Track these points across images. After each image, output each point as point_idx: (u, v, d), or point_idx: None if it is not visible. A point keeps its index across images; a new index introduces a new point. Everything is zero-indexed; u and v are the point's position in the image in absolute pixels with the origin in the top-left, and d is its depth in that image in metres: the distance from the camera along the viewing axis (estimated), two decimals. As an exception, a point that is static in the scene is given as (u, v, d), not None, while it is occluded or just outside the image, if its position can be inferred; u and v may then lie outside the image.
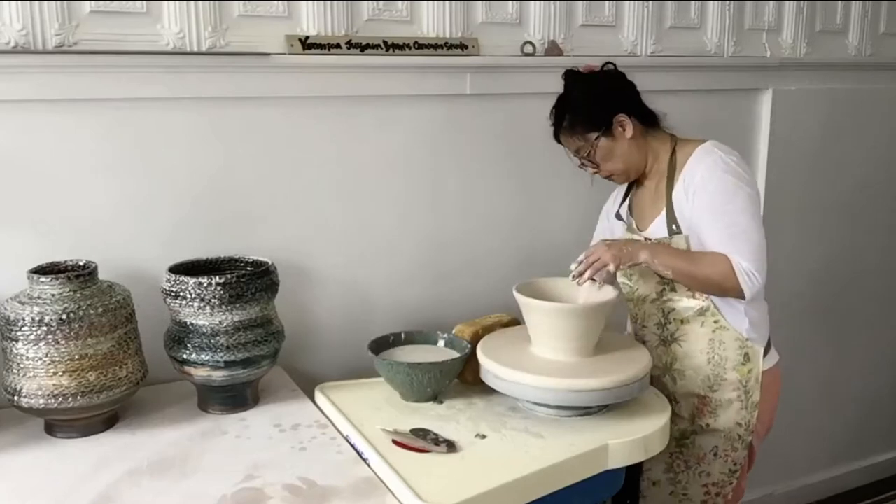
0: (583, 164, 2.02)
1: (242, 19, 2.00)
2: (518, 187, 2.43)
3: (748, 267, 1.85)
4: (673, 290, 2.00)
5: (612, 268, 1.86)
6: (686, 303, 1.99)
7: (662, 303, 2.02)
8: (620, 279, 2.05)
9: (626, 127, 1.97)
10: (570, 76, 2.03)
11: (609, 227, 2.16)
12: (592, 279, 1.89)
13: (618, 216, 2.13)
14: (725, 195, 1.89)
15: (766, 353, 2.03)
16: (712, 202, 1.89)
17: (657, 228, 1.99)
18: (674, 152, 2.00)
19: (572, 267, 1.90)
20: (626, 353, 1.91)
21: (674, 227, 1.95)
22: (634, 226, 2.07)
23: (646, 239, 1.99)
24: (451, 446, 1.68)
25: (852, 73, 3.05)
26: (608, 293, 1.91)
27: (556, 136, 2.04)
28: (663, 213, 1.98)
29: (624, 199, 2.14)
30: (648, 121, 2.03)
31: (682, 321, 2.00)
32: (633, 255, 1.88)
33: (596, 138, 1.97)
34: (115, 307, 1.73)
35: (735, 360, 1.98)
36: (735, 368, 1.99)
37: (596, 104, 1.99)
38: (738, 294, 1.86)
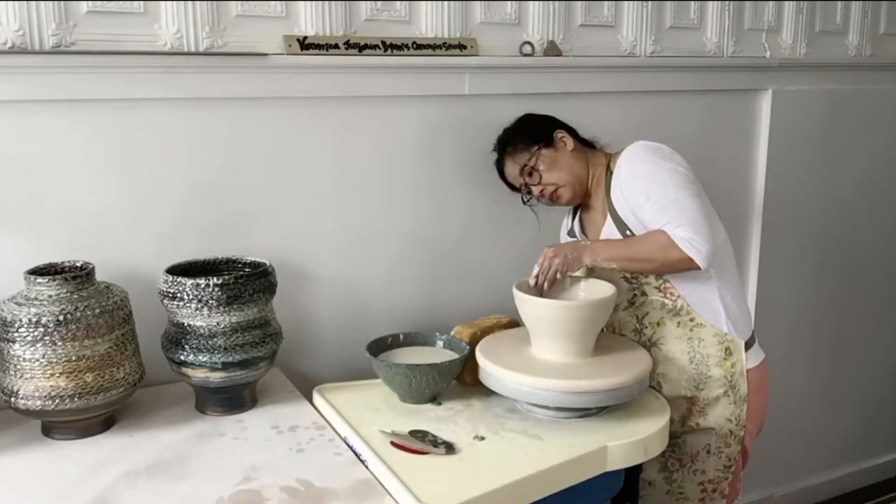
0: (528, 187, 2.08)
1: (240, 19, 1.99)
2: (517, 188, 2.43)
3: (685, 233, 1.84)
4: (643, 293, 2.01)
5: (559, 276, 1.92)
6: (658, 304, 2.00)
7: (635, 309, 2.03)
8: None
9: (566, 141, 2.08)
10: (506, 128, 2.19)
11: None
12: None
13: (570, 234, 2.19)
14: (647, 175, 1.94)
15: (749, 347, 2.03)
16: (638, 186, 1.94)
17: (610, 237, 2.02)
18: (608, 165, 2.06)
19: (531, 281, 1.93)
20: (625, 354, 1.91)
21: (627, 232, 1.97)
22: (586, 238, 2.11)
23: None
24: (449, 448, 1.67)
25: (852, 73, 3.05)
26: (606, 290, 1.91)
27: (501, 169, 2.15)
28: (609, 221, 2.01)
29: (573, 218, 2.20)
30: (584, 143, 2.13)
31: (657, 323, 2.01)
32: (577, 258, 1.93)
33: (538, 148, 2.06)
34: (113, 308, 1.72)
35: (717, 356, 1.99)
36: (718, 364, 1.99)
37: (534, 124, 2.14)
38: (689, 263, 1.85)
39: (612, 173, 2.03)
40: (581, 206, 2.15)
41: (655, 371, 2.01)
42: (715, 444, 2.02)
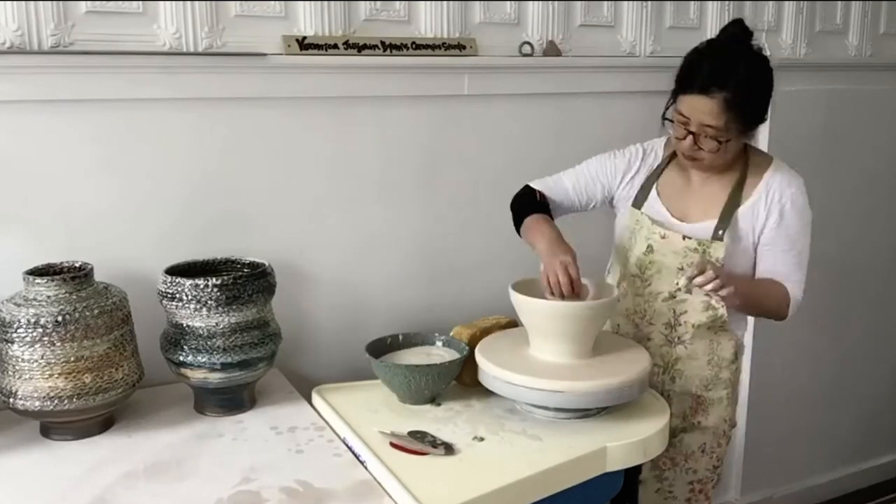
0: (693, 134, 1.82)
1: (239, 19, 1.99)
2: (516, 188, 2.41)
3: (798, 300, 1.94)
4: (689, 291, 1.92)
5: (719, 295, 1.81)
6: (701, 307, 1.94)
7: (675, 303, 1.97)
8: (635, 269, 1.99)
9: (756, 136, 1.93)
10: (749, 42, 1.86)
11: (608, 185, 2.05)
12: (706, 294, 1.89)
13: (637, 200, 2.01)
14: (804, 227, 1.94)
15: None
16: (793, 229, 1.92)
17: (701, 230, 1.93)
18: (746, 161, 1.95)
19: (682, 281, 1.80)
20: (624, 354, 1.90)
21: (720, 232, 1.90)
22: (669, 214, 1.97)
23: (683, 237, 1.92)
24: (448, 449, 1.67)
25: (852, 73, 3.04)
26: (607, 291, 1.91)
27: (696, 89, 1.78)
28: (718, 216, 1.92)
29: (654, 177, 2.01)
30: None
31: (692, 324, 1.96)
32: (735, 294, 1.80)
33: (739, 132, 1.83)
34: (112, 309, 1.72)
35: (729, 358, 2.00)
36: (728, 367, 2.00)
37: (767, 100, 1.85)
38: (783, 318, 1.96)
39: (747, 172, 1.93)
40: (669, 165, 2.00)
41: (674, 366, 2.01)
42: (710, 443, 2.03)
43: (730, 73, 1.77)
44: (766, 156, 1.98)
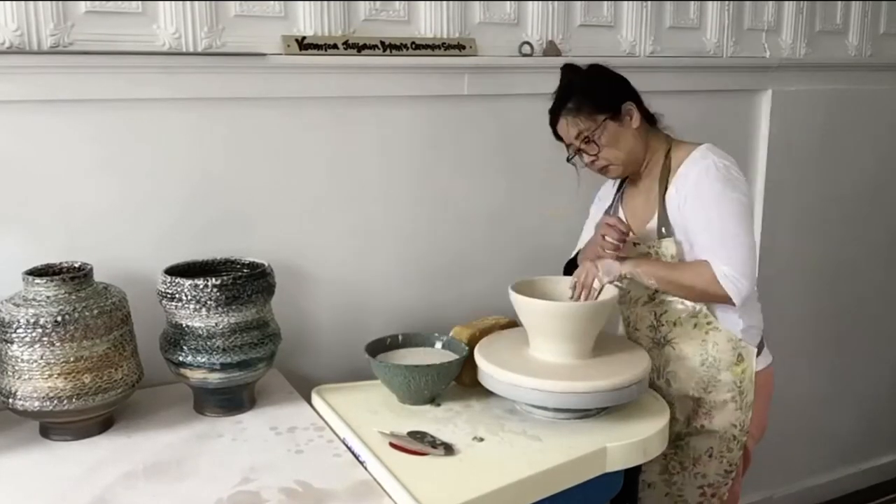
0: (580, 151, 1.96)
1: (238, 19, 1.99)
2: (516, 188, 2.43)
3: (730, 272, 1.84)
4: (665, 291, 1.98)
5: (599, 284, 1.90)
6: (678, 304, 1.98)
7: (654, 305, 2.01)
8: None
9: (633, 116, 1.95)
10: (571, 68, 2.01)
11: (599, 212, 2.15)
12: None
13: (608, 210, 2.11)
14: (715, 200, 1.89)
15: (759, 353, 2.02)
16: (703, 207, 1.90)
17: (650, 231, 1.99)
18: (668, 154, 1.99)
19: (569, 291, 1.92)
20: (624, 354, 1.90)
21: (663, 230, 1.95)
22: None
23: (634, 244, 1.99)
24: (448, 449, 1.67)
25: (852, 73, 3.04)
26: (606, 292, 1.90)
27: (555, 120, 1.98)
28: (656, 215, 1.97)
29: (617, 191, 2.11)
30: (649, 118, 2.02)
31: (674, 323, 1.99)
32: (618, 268, 1.89)
33: (604, 119, 1.92)
34: (111, 309, 1.72)
35: (728, 360, 1.98)
36: (728, 369, 1.98)
37: (606, 87, 1.97)
38: (727, 300, 1.87)
39: (670, 163, 1.97)
40: (629, 180, 2.07)
41: (665, 369, 2.01)
42: (717, 448, 2.01)
43: (564, 94, 1.97)
44: (691, 145, 1.99)
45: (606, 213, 2.11)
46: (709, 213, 1.89)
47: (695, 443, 2.02)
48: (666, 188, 1.96)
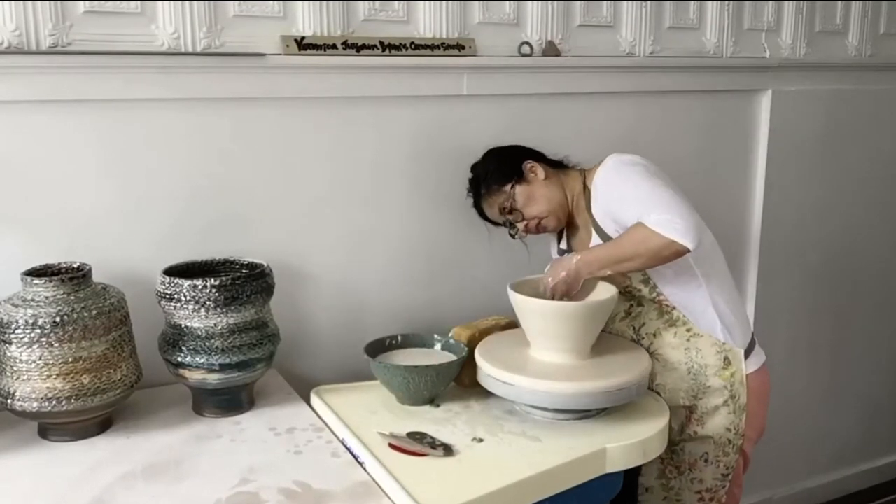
0: (509, 223, 2.07)
1: (237, 19, 1.99)
2: (516, 189, 2.42)
3: (660, 216, 1.77)
4: (640, 304, 2.01)
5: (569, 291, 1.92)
6: (654, 315, 1.99)
7: (632, 319, 2.02)
8: None
9: (537, 170, 2.04)
10: (473, 166, 2.15)
11: None
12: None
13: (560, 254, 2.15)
14: (620, 180, 1.93)
15: (749, 353, 2.02)
16: (613, 192, 1.93)
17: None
18: (584, 183, 2.04)
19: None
20: (624, 355, 1.90)
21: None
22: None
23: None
24: (447, 450, 1.67)
25: (852, 73, 3.04)
26: (606, 291, 1.90)
27: (480, 209, 2.12)
28: (595, 237, 1.98)
29: (559, 241, 2.17)
30: (555, 165, 2.10)
31: (654, 334, 2.00)
32: (576, 277, 1.89)
33: (511, 186, 2.03)
34: (110, 310, 1.72)
35: (715, 365, 1.97)
36: (717, 374, 1.97)
37: (502, 161, 2.08)
38: (677, 248, 1.76)
39: (589, 190, 2.01)
40: (567, 227, 2.12)
41: (654, 382, 2.00)
42: (713, 453, 2.01)
43: (473, 185, 2.13)
44: (589, 171, 2.06)
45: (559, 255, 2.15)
46: (619, 190, 1.92)
47: (690, 448, 2.01)
48: (591, 209, 2.00)
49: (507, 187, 2.03)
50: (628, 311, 2.03)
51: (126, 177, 1.94)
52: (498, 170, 2.07)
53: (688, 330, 1.97)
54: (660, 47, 2.58)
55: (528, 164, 2.04)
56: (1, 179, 1.83)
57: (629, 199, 1.88)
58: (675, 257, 1.80)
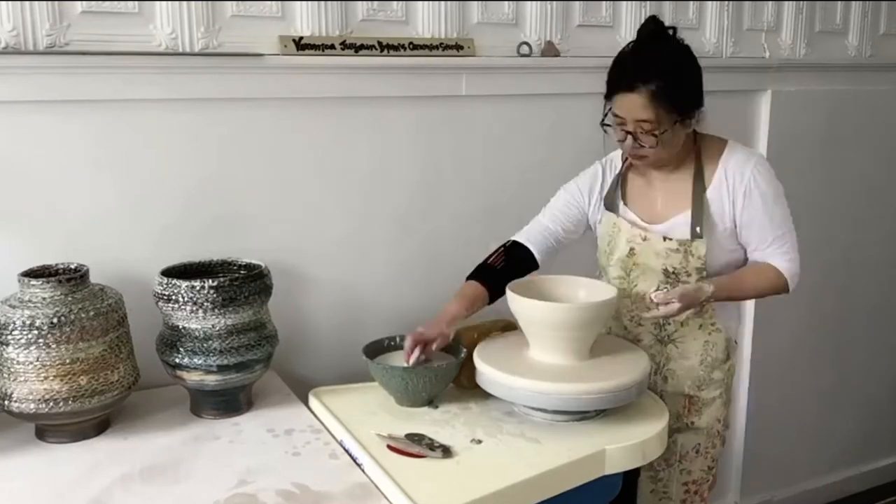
0: (630, 134, 1.82)
1: (235, 20, 1.98)
2: (514, 189, 2.41)
3: (794, 268, 1.92)
4: (674, 286, 1.92)
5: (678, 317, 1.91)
6: None
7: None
8: (619, 272, 2.00)
9: (697, 122, 1.87)
10: (662, 32, 1.85)
11: (580, 206, 2.07)
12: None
13: (607, 205, 2.03)
14: (776, 198, 1.92)
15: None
16: (766, 204, 1.90)
17: (676, 227, 1.92)
18: (697, 151, 1.93)
19: (653, 296, 1.84)
20: (623, 356, 1.89)
21: (698, 229, 1.89)
22: (638, 219, 1.98)
23: (664, 238, 1.92)
24: (446, 451, 1.66)
25: (852, 74, 3.04)
26: (606, 292, 1.90)
27: (629, 87, 1.78)
28: (688, 212, 1.90)
29: (616, 186, 2.02)
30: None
31: (681, 323, 1.98)
32: (697, 300, 1.86)
33: (675, 122, 1.81)
34: (107, 311, 1.71)
35: (721, 359, 2.00)
36: (719, 367, 2.00)
37: (697, 86, 1.85)
38: (784, 291, 1.94)
39: (701, 160, 1.91)
40: (630, 172, 2.01)
41: (665, 366, 2.01)
42: (704, 444, 2.02)
43: (651, 66, 1.79)
44: (719, 140, 1.95)
45: (606, 206, 2.02)
46: (771, 210, 1.91)
47: (682, 440, 2.02)
48: (704, 185, 1.91)
49: (674, 118, 1.80)
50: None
51: (124, 177, 1.94)
52: (686, 91, 1.83)
53: (712, 324, 1.97)
54: (659, 47, 2.58)
55: (700, 112, 1.85)
56: (-2, 180, 1.83)
57: (776, 225, 1.91)
58: None
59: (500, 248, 2.06)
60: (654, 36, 1.85)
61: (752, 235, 1.91)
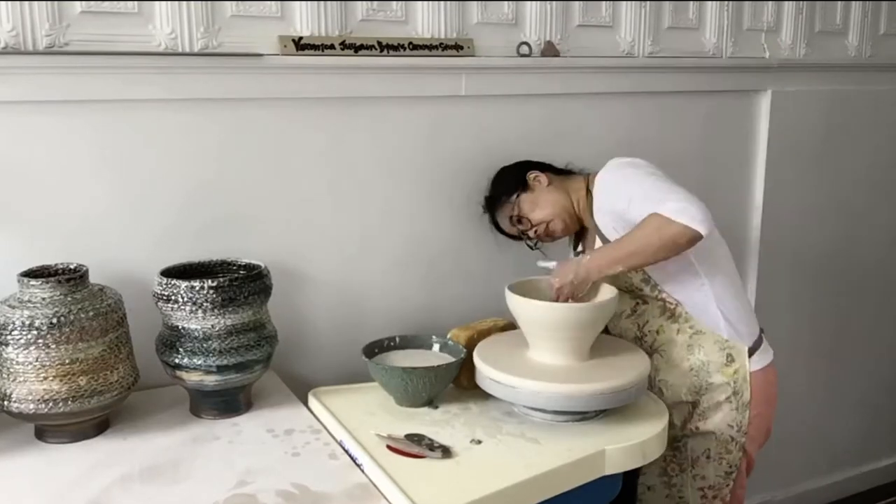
0: (521, 232, 2.13)
1: (235, 20, 1.98)
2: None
3: (674, 205, 1.78)
4: (644, 302, 2.01)
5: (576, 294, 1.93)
6: (657, 312, 2.00)
7: (637, 317, 2.03)
8: None
9: (541, 178, 2.11)
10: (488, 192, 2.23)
11: None
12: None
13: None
14: (622, 180, 1.96)
15: (755, 350, 2.02)
16: (616, 193, 1.95)
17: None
18: (587, 188, 2.08)
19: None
20: (623, 356, 1.89)
21: (580, 249, 2.05)
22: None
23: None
24: (446, 452, 1.66)
25: (852, 74, 3.04)
26: (606, 292, 1.90)
27: (498, 227, 2.22)
28: (598, 241, 2.02)
29: (574, 248, 2.22)
30: (560, 172, 2.16)
31: (657, 331, 2.01)
32: (585, 278, 1.91)
33: (517, 196, 2.12)
34: (107, 311, 1.71)
35: (718, 362, 1.98)
36: (719, 371, 1.97)
37: (507, 175, 2.19)
38: (692, 234, 1.77)
39: (591, 194, 2.05)
40: (580, 232, 2.18)
41: (657, 378, 2.01)
42: (715, 449, 2.01)
43: (489, 203, 2.24)
44: (592, 175, 2.08)
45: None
46: (623, 191, 1.93)
47: (692, 444, 2.01)
48: (586, 223, 2.07)
49: (513, 197, 2.12)
50: (634, 309, 2.04)
51: (123, 177, 1.94)
52: (503, 184, 2.17)
53: (690, 327, 1.97)
54: (659, 48, 2.58)
55: (532, 174, 2.12)
56: (-2, 180, 1.83)
57: (636, 197, 1.88)
58: (690, 245, 1.80)
59: None
60: (485, 198, 2.25)
61: (631, 219, 1.88)
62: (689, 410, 2.00)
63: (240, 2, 1.98)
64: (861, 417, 3.48)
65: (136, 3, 1.87)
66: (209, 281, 1.76)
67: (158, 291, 1.79)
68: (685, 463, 2.02)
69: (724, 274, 2.01)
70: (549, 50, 2.37)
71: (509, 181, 2.16)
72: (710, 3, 2.66)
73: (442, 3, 2.20)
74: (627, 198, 1.91)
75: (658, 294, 1.98)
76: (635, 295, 2.02)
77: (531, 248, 2.16)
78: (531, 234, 2.13)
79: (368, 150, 2.20)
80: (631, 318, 2.05)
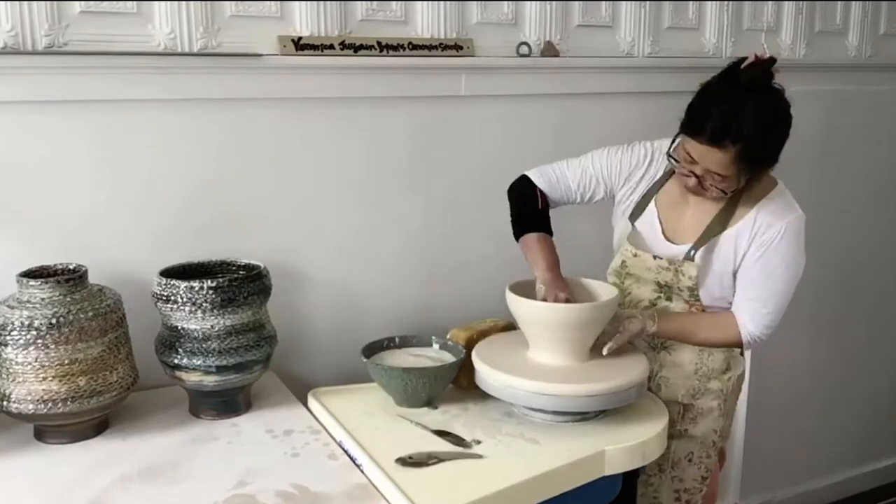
0: (698, 178, 1.79)
1: (234, 20, 1.98)
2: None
3: (755, 331, 1.90)
4: (669, 299, 1.97)
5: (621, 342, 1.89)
6: (680, 310, 1.97)
7: (655, 310, 1.98)
8: (614, 279, 2.02)
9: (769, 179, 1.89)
10: (768, 86, 1.74)
11: (610, 184, 2.02)
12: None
13: (633, 215, 2.00)
14: (784, 262, 1.87)
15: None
16: (771, 264, 1.87)
17: (678, 249, 1.93)
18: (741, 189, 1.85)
19: (604, 351, 1.85)
20: (623, 357, 1.89)
21: (692, 253, 1.89)
22: (661, 230, 1.97)
23: (654, 257, 1.94)
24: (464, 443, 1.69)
25: (852, 74, 3.03)
26: (606, 293, 1.89)
27: (706, 139, 1.70)
28: (695, 239, 1.91)
29: (650, 196, 1.99)
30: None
31: None
32: (644, 334, 1.90)
33: (748, 178, 1.79)
34: (106, 311, 1.71)
35: (719, 369, 1.98)
36: (717, 377, 1.98)
37: (781, 147, 1.80)
38: (738, 344, 1.95)
39: (739, 198, 1.87)
40: (668, 179, 1.96)
41: (658, 374, 2.00)
42: (697, 453, 2.01)
43: (743, 125, 1.68)
44: (769, 180, 1.90)
45: (631, 216, 2.00)
46: (774, 271, 1.87)
47: (675, 446, 2.00)
48: (728, 220, 1.88)
49: (746, 178, 1.78)
50: (654, 302, 1.98)
51: (122, 177, 1.94)
52: (766, 156, 1.78)
53: None
54: (659, 48, 2.58)
55: (773, 179, 1.91)
56: (-3, 180, 1.83)
57: (766, 287, 1.88)
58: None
59: (528, 185, 2.03)
60: (753, 84, 1.72)
61: (741, 282, 1.90)
62: (680, 412, 1.99)
63: (239, 2, 1.98)
64: (861, 417, 3.48)
65: (135, 3, 1.87)
66: (208, 281, 1.76)
67: (158, 292, 1.79)
68: (665, 464, 2.01)
69: None
70: (549, 50, 2.37)
71: (769, 159, 1.79)
72: (710, 3, 2.65)
73: (441, 3, 2.20)
74: (766, 276, 1.86)
75: (691, 299, 1.95)
76: (661, 289, 1.97)
77: (669, 157, 1.82)
78: (693, 185, 1.80)
79: (368, 149, 2.19)
80: (649, 309, 1.97)
